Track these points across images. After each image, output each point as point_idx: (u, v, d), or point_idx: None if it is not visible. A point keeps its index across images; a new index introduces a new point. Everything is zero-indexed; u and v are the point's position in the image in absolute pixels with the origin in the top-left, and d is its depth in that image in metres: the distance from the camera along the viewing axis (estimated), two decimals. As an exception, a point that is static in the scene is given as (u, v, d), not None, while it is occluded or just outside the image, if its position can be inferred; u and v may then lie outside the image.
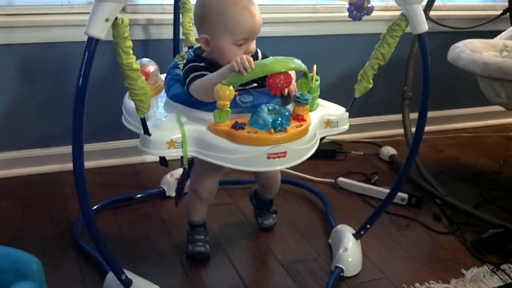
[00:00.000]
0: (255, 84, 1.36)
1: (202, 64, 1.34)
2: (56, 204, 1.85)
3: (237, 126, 1.20)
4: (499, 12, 2.51)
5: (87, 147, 1.09)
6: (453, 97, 2.73)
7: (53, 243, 1.63)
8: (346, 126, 1.44)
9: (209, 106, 1.26)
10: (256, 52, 1.40)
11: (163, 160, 1.30)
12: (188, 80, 1.32)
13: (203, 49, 1.38)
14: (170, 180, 1.93)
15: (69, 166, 1.12)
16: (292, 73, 1.30)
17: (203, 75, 1.30)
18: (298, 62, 1.25)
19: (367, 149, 2.45)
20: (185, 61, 1.50)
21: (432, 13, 2.35)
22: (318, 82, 1.34)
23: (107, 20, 0.98)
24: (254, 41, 1.36)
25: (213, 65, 1.32)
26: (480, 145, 2.62)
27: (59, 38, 1.91)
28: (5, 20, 1.84)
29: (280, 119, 1.21)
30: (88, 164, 1.12)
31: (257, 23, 1.31)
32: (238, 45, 1.31)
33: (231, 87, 1.18)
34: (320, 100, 1.42)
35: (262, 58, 1.39)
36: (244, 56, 1.20)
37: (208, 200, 1.57)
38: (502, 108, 2.12)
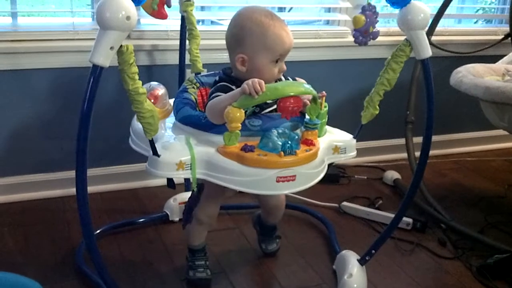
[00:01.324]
0: (275, 106, 1.36)
1: (233, 86, 1.35)
2: (58, 229, 1.84)
3: (246, 148, 1.20)
4: (500, 37, 2.52)
5: (90, 171, 1.09)
6: (456, 122, 2.73)
7: (55, 269, 1.62)
8: (354, 153, 1.44)
9: (218, 128, 1.27)
10: None
11: (170, 182, 1.29)
12: (209, 98, 1.34)
13: (238, 69, 1.38)
14: (173, 204, 1.92)
15: (71, 191, 1.12)
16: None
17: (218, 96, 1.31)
18: (308, 87, 1.27)
19: (370, 174, 2.45)
20: (192, 85, 1.51)
21: (434, 38, 2.36)
22: (326, 109, 1.34)
23: (111, 48, 0.99)
24: None
25: None
26: (483, 169, 2.61)
27: (64, 64, 1.92)
28: (10, 46, 1.86)
29: (289, 142, 1.22)
30: (90, 189, 1.11)
31: (292, 41, 1.37)
32: (275, 63, 1.35)
33: (241, 110, 1.18)
34: (327, 127, 1.43)
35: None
36: (256, 80, 1.21)
37: (208, 224, 1.56)
38: (505, 132, 2.12)
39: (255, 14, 1.36)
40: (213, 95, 1.34)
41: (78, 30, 1.96)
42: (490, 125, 2.11)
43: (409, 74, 2.37)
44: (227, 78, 1.40)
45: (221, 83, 1.38)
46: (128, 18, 0.98)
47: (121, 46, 1.01)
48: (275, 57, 1.35)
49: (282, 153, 1.20)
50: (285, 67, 1.39)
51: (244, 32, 1.36)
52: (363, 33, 1.34)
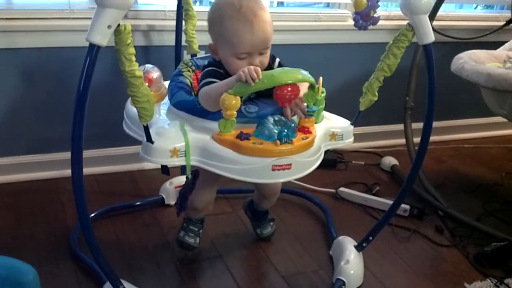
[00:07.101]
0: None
1: (221, 70, 1.32)
2: (52, 211, 1.82)
3: (242, 136, 1.18)
4: (502, 23, 2.50)
5: (85, 153, 1.07)
6: (455, 108, 2.72)
7: (49, 252, 1.60)
8: (351, 140, 1.42)
9: (214, 115, 1.24)
10: (274, 61, 1.38)
11: (165, 168, 1.28)
12: (200, 84, 1.30)
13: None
14: (170, 188, 1.91)
15: (66, 172, 1.11)
16: (305, 85, 1.27)
17: (212, 82, 1.28)
18: (305, 74, 1.22)
19: (368, 159, 2.43)
20: (188, 68, 1.48)
21: (435, 23, 2.33)
22: (324, 94, 1.32)
23: (109, 27, 0.96)
24: (267, 54, 1.32)
25: (229, 73, 1.28)
26: (482, 156, 2.60)
27: (59, 43, 1.89)
28: (5, 24, 1.82)
29: (286, 130, 1.19)
30: (85, 170, 1.09)
31: (260, 38, 1.26)
32: (240, 58, 1.28)
33: (237, 97, 1.16)
34: (325, 113, 1.40)
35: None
36: (252, 67, 1.17)
37: (204, 210, 1.57)
38: (504, 119, 2.11)
39: (226, 1, 1.28)
40: (204, 80, 1.30)
41: (74, 9, 1.93)
42: (489, 112, 2.09)
43: (409, 59, 2.34)
44: (216, 63, 1.36)
45: (209, 68, 1.34)
46: (126, -5, 0.95)
47: (118, 25, 0.98)
48: (237, 52, 1.27)
49: (278, 141, 1.17)
50: (256, 62, 1.28)
51: (211, 20, 1.32)
52: (364, 16, 1.31)
